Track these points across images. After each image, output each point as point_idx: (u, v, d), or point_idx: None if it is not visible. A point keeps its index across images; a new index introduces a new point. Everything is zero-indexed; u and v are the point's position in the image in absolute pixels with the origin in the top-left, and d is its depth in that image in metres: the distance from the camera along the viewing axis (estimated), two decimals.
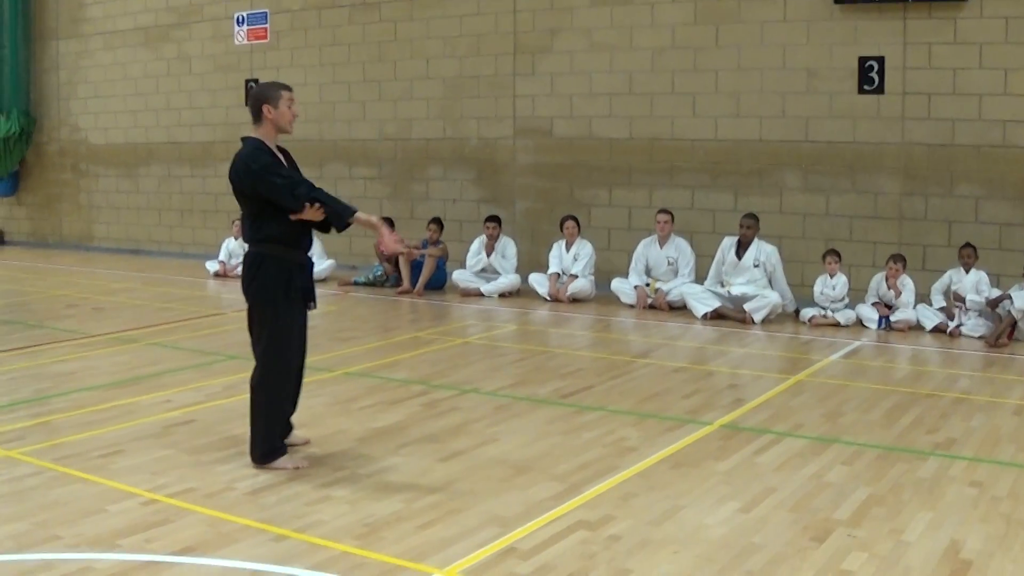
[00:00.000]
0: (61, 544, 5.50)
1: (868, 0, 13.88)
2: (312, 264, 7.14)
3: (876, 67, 13.95)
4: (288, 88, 7.00)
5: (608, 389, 9.47)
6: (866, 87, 14.07)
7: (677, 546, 5.54)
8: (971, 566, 5.37)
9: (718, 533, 5.74)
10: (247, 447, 6.99)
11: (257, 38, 19.81)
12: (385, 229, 6.86)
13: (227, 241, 18.22)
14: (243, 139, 6.95)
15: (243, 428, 7.14)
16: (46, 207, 24.11)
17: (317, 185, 6.77)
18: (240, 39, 20.04)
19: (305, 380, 7.35)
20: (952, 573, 5.28)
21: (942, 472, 7.01)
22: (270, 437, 6.90)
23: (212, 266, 18.16)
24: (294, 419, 7.28)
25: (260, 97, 6.88)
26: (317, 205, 6.69)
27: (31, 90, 23.78)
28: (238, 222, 17.59)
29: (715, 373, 10.41)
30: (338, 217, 6.81)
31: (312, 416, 8.19)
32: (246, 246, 6.98)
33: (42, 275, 18.31)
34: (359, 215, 6.81)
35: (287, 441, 7.13)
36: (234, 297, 12.45)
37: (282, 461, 6.88)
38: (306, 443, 7.38)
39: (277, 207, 6.69)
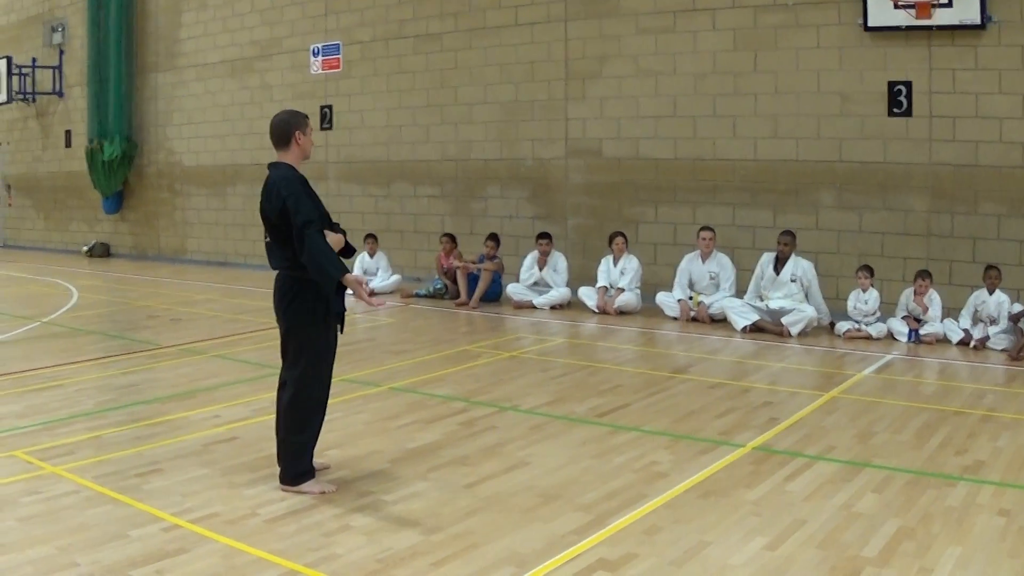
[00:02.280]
0: (76, 572, 4.97)
1: (896, 28, 13.11)
2: (345, 289, 6.36)
3: (904, 91, 13.21)
4: (307, 116, 6.60)
5: (644, 407, 8.76)
6: (895, 110, 13.33)
7: None
8: None
9: (743, 575, 5.06)
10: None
11: (331, 68, 19.45)
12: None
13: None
14: (271, 165, 6.43)
15: None
16: (146, 223, 24.15)
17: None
18: (316, 69, 19.70)
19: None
20: None
21: (970, 499, 6.29)
22: (302, 460, 6.36)
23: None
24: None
25: (291, 124, 6.39)
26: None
27: (133, 118, 24.01)
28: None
29: (751, 390, 9.63)
30: (325, 277, 6.07)
31: (349, 435, 7.63)
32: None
33: (135, 286, 18.03)
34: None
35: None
36: None
37: (309, 485, 6.32)
38: (326, 468, 6.76)
39: None
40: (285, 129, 6.37)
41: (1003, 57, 12.57)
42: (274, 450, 6.51)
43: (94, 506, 5.99)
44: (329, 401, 6.50)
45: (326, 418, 6.54)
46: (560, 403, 8.90)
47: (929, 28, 12.85)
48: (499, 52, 17.16)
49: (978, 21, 12.49)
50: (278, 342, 6.53)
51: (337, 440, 7.43)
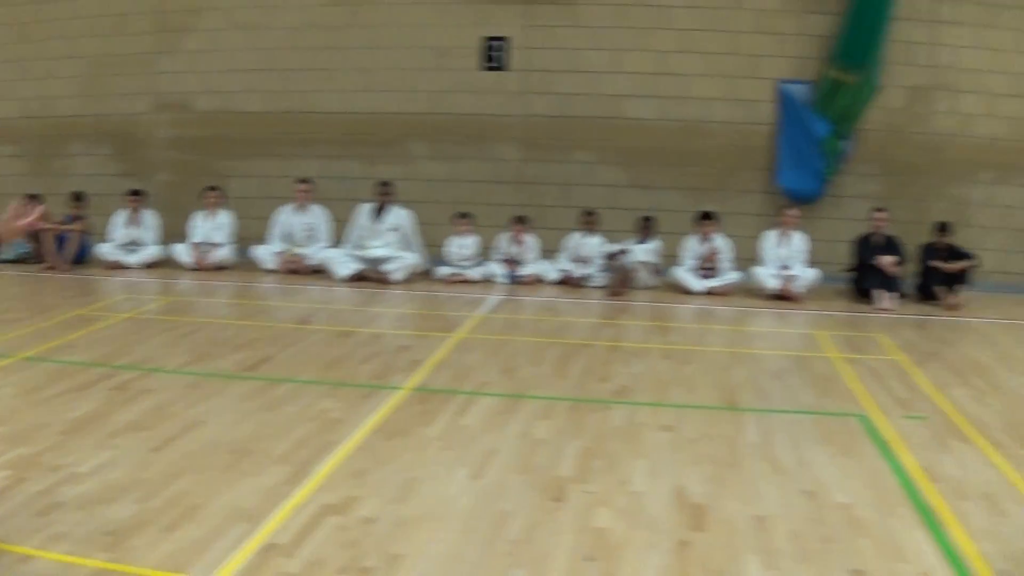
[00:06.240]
0: None
1: None
2: None
3: (499, 46, 13.70)
4: None
5: (289, 359, 8.57)
6: (489, 65, 13.78)
7: (434, 522, 4.90)
8: (706, 510, 5.16)
9: (465, 504, 5.13)
10: None
11: None
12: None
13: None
14: None
15: None
16: None
17: None
18: None
19: None
20: (694, 518, 5.04)
21: (631, 419, 6.78)
22: None
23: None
24: None
25: None
26: None
27: None
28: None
29: (382, 336, 9.72)
30: None
31: (5, 411, 6.85)
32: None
33: None
34: None
35: None
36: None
37: None
38: None
39: None
40: None
41: (600, 16, 13.41)
42: None
43: None
44: None
45: None
46: (203, 360, 8.53)
47: None
48: (86, 4, 15.96)
49: None
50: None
51: None
